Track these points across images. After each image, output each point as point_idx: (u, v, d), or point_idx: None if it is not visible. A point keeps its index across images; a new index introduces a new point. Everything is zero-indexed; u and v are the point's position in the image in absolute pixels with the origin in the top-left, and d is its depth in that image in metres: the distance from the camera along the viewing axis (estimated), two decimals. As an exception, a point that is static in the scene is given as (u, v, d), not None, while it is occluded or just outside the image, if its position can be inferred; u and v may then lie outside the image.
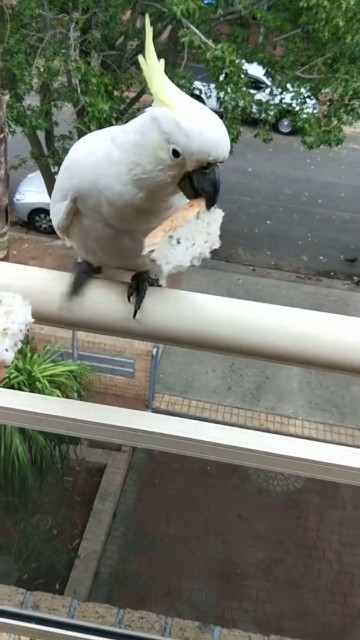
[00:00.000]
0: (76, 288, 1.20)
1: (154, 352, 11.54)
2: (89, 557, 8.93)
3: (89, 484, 10.01)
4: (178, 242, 1.10)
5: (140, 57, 1.09)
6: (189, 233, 1.11)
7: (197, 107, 1.06)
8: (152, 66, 1.06)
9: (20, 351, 6.15)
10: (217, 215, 1.13)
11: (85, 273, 1.25)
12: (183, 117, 1.02)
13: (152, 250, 1.08)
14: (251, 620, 8.30)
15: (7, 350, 1.03)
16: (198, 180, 1.06)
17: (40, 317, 1.11)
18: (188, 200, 1.12)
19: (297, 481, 10.08)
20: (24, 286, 1.17)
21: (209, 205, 1.09)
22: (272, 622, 8.26)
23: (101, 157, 1.12)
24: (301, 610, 8.54)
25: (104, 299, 1.23)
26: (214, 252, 1.09)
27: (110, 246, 1.23)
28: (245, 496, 9.98)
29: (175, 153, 1.03)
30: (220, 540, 9.42)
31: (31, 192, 15.50)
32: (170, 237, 1.09)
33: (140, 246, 1.09)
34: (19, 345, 1.05)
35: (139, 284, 1.22)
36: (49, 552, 8.86)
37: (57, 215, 1.27)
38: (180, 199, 1.14)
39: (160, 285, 1.18)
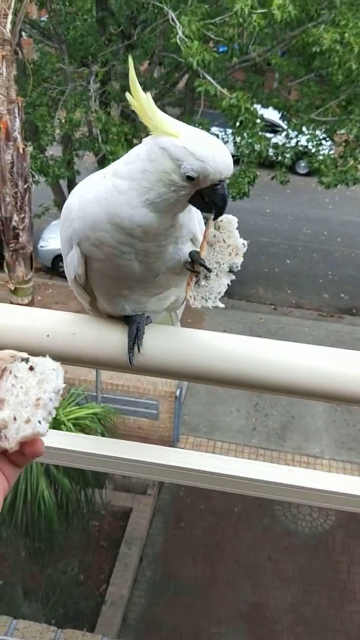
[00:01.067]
0: (138, 338, 1.32)
1: (178, 393, 11.55)
2: (116, 602, 8.82)
3: (115, 528, 9.93)
4: (206, 277, 1.25)
5: (128, 95, 1.21)
6: (212, 259, 1.26)
7: (200, 133, 1.21)
8: (147, 102, 1.19)
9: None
10: (231, 221, 1.29)
11: (142, 323, 1.36)
12: (192, 144, 1.17)
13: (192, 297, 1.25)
14: (282, 667, 8.09)
15: (40, 422, 0.96)
16: (209, 195, 1.21)
17: (68, 358, 1.20)
18: (190, 215, 1.29)
19: (326, 522, 9.91)
20: (52, 328, 1.27)
21: (218, 216, 1.23)
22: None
23: (104, 191, 1.25)
24: (333, 655, 8.31)
25: (107, 337, 1.33)
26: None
27: (127, 279, 1.34)
28: (273, 538, 9.83)
29: (189, 177, 1.17)
30: (249, 583, 9.25)
31: (54, 238, 15.80)
32: (197, 281, 1.25)
33: (156, 272, 1.26)
34: (53, 413, 1.00)
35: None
36: (76, 598, 8.78)
37: (70, 268, 1.38)
38: (185, 217, 1.28)
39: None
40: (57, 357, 1.31)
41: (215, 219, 1.24)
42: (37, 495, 7.43)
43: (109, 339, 1.32)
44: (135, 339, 1.30)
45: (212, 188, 1.20)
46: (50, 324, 1.31)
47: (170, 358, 1.30)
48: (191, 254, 1.27)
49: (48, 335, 1.28)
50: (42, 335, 1.29)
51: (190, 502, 10.36)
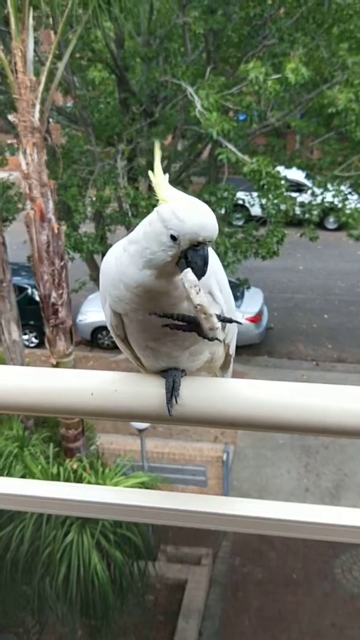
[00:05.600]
0: (175, 390, 1.38)
1: (224, 458, 11.40)
2: None
3: (171, 602, 9.67)
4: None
5: (150, 173, 1.38)
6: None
7: (189, 199, 1.33)
8: (161, 178, 1.36)
9: (92, 466, 6.23)
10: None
11: (178, 375, 1.42)
12: (177, 207, 1.29)
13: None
14: None
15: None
16: (190, 255, 1.30)
17: (111, 414, 1.26)
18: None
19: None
20: (95, 387, 1.36)
21: (198, 276, 1.30)
22: None
23: (119, 254, 1.40)
24: None
25: (146, 391, 1.40)
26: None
27: (150, 330, 1.42)
28: (336, 602, 9.43)
29: (173, 236, 1.28)
30: (314, 653, 8.85)
31: (92, 311, 16.13)
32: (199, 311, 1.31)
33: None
34: None
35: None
36: None
37: (108, 321, 1.51)
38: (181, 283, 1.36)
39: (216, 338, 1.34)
40: (101, 414, 1.39)
41: (199, 279, 1.29)
42: (90, 570, 7.33)
43: (148, 392, 1.38)
44: (172, 391, 1.36)
45: (193, 249, 1.29)
46: (94, 383, 1.39)
47: (208, 406, 1.34)
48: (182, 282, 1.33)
49: (92, 394, 1.34)
50: (87, 394, 1.36)
51: (247, 571, 10.07)
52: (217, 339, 1.35)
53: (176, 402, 1.34)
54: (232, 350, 1.62)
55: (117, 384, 1.37)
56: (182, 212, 1.28)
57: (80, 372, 1.41)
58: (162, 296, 1.34)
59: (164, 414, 1.33)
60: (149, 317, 1.38)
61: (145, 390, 1.38)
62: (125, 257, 1.37)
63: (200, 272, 1.30)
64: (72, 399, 1.37)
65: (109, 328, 1.52)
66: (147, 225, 1.33)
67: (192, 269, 1.29)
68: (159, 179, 1.36)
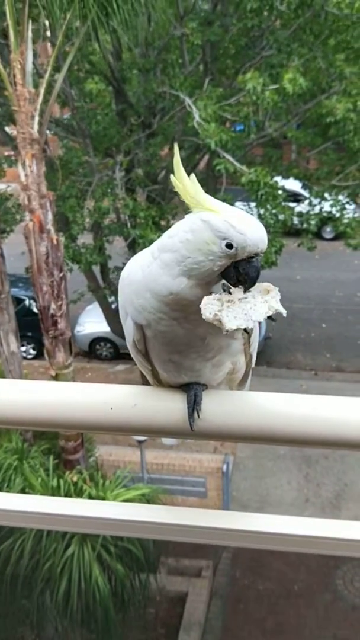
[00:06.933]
0: (197, 404, 1.36)
1: (224, 469, 11.35)
2: None
3: (172, 615, 9.58)
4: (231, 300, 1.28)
5: (172, 178, 1.34)
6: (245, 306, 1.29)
7: (239, 211, 1.32)
8: (191, 182, 1.32)
9: (92, 478, 6.19)
10: (273, 292, 1.32)
11: (199, 389, 1.41)
12: (234, 219, 1.28)
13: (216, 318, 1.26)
14: None
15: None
16: (244, 267, 1.29)
17: (131, 429, 1.23)
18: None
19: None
20: (114, 402, 1.33)
21: (249, 288, 1.30)
22: None
23: (147, 263, 1.37)
24: None
25: (166, 405, 1.38)
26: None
27: (175, 343, 1.40)
28: (337, 614, 9.35)
29: (229, 247, 1.27)
30: (317, 666, 8.77)
31: (90, 322, 16.11)
32: (220, 299, 1.28)
33: (203, 335, 1.33)
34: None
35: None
36: None
37: (128, 333, 1.47)
38: (219, 291, 1.34)
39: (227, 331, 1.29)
40: (120, 429, 1.37)
41: (245, 291, 1.30)
42: (91, 583, 7.26)
43: (168, 407, 1.36)
44: (194, 405, 1.34)
45: (247, 260, 1.29)
46: (112, 397, 1.37)
47: (230, 421, 1.33)
48: (223, 286, 1.33)
49: (112, 409, 1.32)
50: (106, 409, 1.34)
51: (247, 583, 9.99)
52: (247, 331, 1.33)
53: (198, 416, 1.32)
54: (253, 363, 1.60)
55: (136, 398, 1.35)
56: (242, 224, 1.28)
57: (98, 386, 1.39)
58: (193, 305, 1.31)
59: (186, 428, 1.31)
60: (173, 327, 1.36)
61: (165, 405, 1.35)
62: (156, 265, 1.34)
63: (252, 284, 1.30)
64: (91, 414, 1.35)
65: (129, 345, 1.49)
66: (188, 234, 1.30)
67: (244, 280, 1.29)
68: (192, 184, 1.33)
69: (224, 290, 1.30)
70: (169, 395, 1.38)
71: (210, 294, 1.31)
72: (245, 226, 1.27)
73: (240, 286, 1.30)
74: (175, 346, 1.41)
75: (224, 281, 1.32)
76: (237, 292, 1.29)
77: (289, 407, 1.31)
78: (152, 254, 1.37)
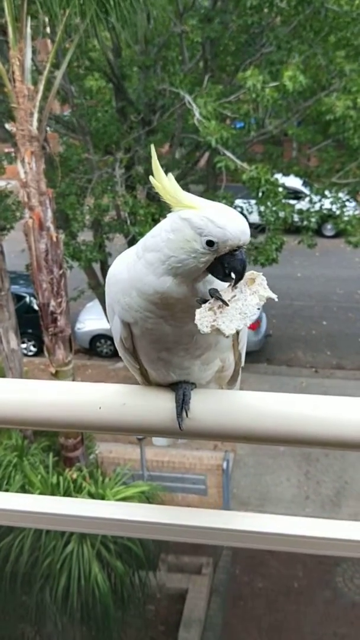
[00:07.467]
0: (185, 403, 1.36)
1: (225, 466, 11.35)
2: None
3: (172, 612, 9.60)
4: (225, 303, 1.28)
5: (151, 179, 1.33)
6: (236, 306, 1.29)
7: (218, 205, 1.31)
8: (169, 183, 1.31)
9: (91, 476, 6.19)
10: (259, 279, 1.31)
11: (188, 388, 1.40)
12: (213, 214, 1.27)
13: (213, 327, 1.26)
14: None
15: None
16: (229, 261, 1.29)
17: (120, 428, 1.22)
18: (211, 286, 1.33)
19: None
20: (103, 401, 1.33)
21: (238, 281, 1.29)
22: None
23: (132, 261, 1.37)
24: None
25: (156, 404, 1.37)
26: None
27: (162, 340, 1.40)
28: (338, 611, 9.37)
29: (210, 243, 1.26)
30: (317, 663, 8.78)
31: (91, 320, 16.11)
32: (211, 308, 1.27)
33: (191, 332, 1.31)
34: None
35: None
36: None
37: (115, 332, 1.47)
38: (205, 288, 1.33)
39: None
40: (109, 428, 1.36)
41: (234, 285, 1.29)
42: (91, 580, 7.27)
43: (158, 406, 1.35)
44: (182, 404, 1.34)
45: (231, 254, 1.28)
46: (101, 396, 1.36)
47: (219, 420, 1.32)
48: (210, 291, 1.31)
49: (100, 408, 1.32)
50: (94, 408, 1.33)
51: (247, 580, 10.01)
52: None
53: (187, 415, 1.32)
54: (242, 361, 1.59)
55: (125, 397, 1.35)
56: (220, 218, 1.27)
57: (86, 385, 1.38)
58: (180, 302, 1.32)
59: (175, 427, 1.30)
60: (160, 325, 1.36)
61: (154, 404, 1.35)
62: (141, 265, 1.34)
63: (240, 277, 1.29)
64: (80, 413, 1.34)
65: (117, 343, 1.49)
66: (170, 233, 1.30)
67: (231, 274, 1.29)
68: (170, 183, 1.32)
69: (212, 296, 1.29)
70: (158, 394, 1.38)
71: (196, 291, 1.30)
72: (225, 220, 1.26)
73: (228, 279, 1.30)
74: (163, 344, 1.40)
75: (211, 287, 1.31)
76: (226, 293, 1.28)
77: (279, 406, 1.31)
78: (137, 253, 1.37)
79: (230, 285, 1.29)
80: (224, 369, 1.54)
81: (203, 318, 1.25)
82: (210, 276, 1.32)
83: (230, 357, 1.55)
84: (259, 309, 1.28)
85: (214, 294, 1.29)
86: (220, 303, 1.27)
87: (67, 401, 1.36)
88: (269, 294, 1.28)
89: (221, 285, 1.34)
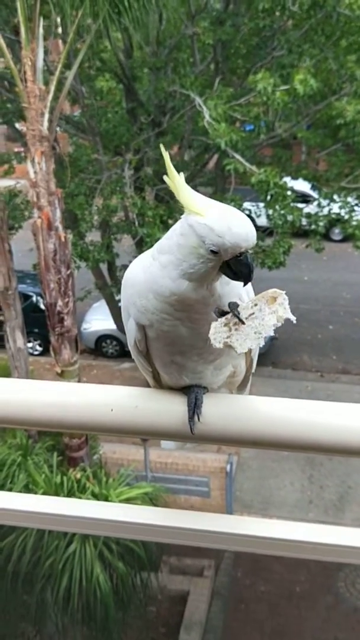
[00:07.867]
0: (197, 407, 1.36)
1: (228, 469, 11.34)
2: None
3: (173, 614, 9.58)
4: (242, 321, 1.27)
5: (165, 178, 1.33)
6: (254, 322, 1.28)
7: (224, 210, 1.29)
8: (179, 183, 1.31)
9: (95, 476, 6.19)
10: (280, 298, 1.30)
11: (200, 392, 1.40)
12: (213, 222, 1.26)
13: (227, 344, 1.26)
14: None
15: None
16: (235, 265, 1.29)
17: (131, 431, 1.22)
18: (229, 286, 1.36)
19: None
20: (115, 403, 1.33)
21: (246, 283, 1.31)
22: None
23: (148, 264, 1.37)
24: None
25: (168, 408, 1.37)
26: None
27: (177, 343, 1.40)
28: (339, 616, 9.33)
29: (213, 250, 1.26)
30: (317, 669, 8.75)
31: (97, 320, 16.13)
32: (227, 324, 1.27)
33: (206, 336, 1.29)
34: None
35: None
36: None
37: (129, 334, 1.47)
38: (224, 288, 1.35)
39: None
40: (121, 430, 1.36)
41: (244, 286, 1.31)
42: (93, 581, 7.26)
43: (169, 409, 1.35)
44: (194, 408, 1.34)
45: (235, 259, 1.28)
46: (113, 399, 1.37)
47: (229, 425, 1.32)
48: (230, 305, 1.31)
49: (112, 410, 1.32)
50: (107, 410, 1.33)
51: (249, 584, 9.98)
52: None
53: (198, 419, 1.31)
54: (254, 367, 1.59)
55: (137, 399, 1.35)
56: (220, 227, 1.25)
57: (98, 386, 1.39)
58: (197, 303, 1.32)
59: (186, 431, 1.30)
60: (176, 327, 1.36)
61: (166, 407, 1.35)
62: (156, 267, 1.34)
63: (247, 280, 1.30)
64: (92, 415, 1.35)
65: (130, 345, 1.49)
66: (180, 238, 1.30)
67: (239, 277, 1.29)
68: (181, 186, 1.32)
69: (230, 309, 1.28)
70: (170, 398, 1.38)
71: (213, 290, 1.31)
72: (225, 228, 1.25)
73: (239, 279, 1.30)
74: (178, 347, 1.40)
75: (229, 302, 1.31)
76: (244, 310, 1.27)
77: (288, 412, 1.31)
78: (152, 255, 1.38)
79: (249, 302, 1.29)
80: (235, 375, 1.54)
81: (217, 333, 1.25)
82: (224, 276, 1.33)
83: (242, 363, 1.55)
84: (275, 330, 1.27)
85: (234, 309, 1.28)
86: (236, 320, 1.26)
87: (79, 403, 1.36)
88: (288, 315, 1.26)
89: (237, 289, 1.34)
